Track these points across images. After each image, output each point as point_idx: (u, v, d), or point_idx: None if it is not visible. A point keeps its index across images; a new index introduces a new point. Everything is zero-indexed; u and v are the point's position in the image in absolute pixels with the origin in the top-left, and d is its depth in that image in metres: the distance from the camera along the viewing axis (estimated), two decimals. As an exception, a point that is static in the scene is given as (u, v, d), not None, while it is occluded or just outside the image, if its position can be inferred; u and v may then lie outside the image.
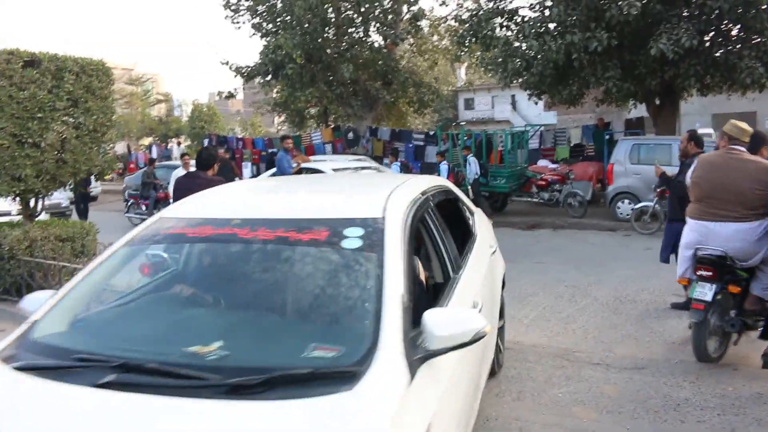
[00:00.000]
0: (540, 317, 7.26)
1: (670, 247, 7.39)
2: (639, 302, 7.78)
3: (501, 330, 5.36)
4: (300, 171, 12.12)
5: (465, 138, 18.67)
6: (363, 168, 12.97)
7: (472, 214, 5.28)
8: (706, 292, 5.37)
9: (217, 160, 6.68)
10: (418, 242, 3.88)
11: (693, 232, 5.72)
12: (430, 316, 2.52)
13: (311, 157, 16.22)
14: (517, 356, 5.79)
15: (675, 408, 4.68)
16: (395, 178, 5.09)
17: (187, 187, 6.36)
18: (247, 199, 3.90)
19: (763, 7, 12.76)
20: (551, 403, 4.83)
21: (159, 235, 3.34)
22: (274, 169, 13.36)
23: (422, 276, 3.69)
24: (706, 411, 4.62)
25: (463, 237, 4.76)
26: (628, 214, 13.81)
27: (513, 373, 5.40)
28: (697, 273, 5.51)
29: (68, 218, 12.67)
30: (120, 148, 39.15)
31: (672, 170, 12.82)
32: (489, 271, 4.70)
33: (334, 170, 11.60)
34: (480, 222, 5.37)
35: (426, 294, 3.60)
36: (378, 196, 3.40)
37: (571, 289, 8.51)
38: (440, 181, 4.95)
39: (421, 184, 4.10)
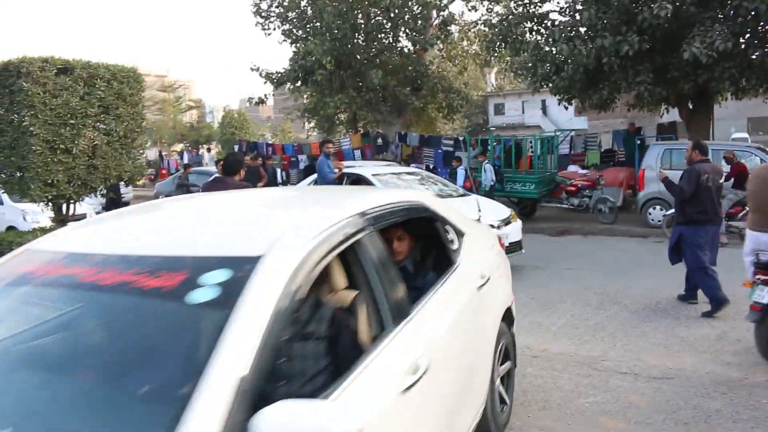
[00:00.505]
0: (568, 324, 7.15)
1: (671, 250, 7.87)
2: (668, 310, 7.63)
3: (507, 377, 4.57)
4: (341, 177, 11.51)
5: (471, 144, 18.60)
6: (408, 174, 12.08)
7: (460, 235, 4.22)
8: (764, 294, 5.57)
9: (243, 165, 6.71)
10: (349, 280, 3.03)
11: (749, 240, 6.38)
12: (259, 421, 1.80)
13: (354, 163, 15.09)
14: (543, 365, 5.71)
15: (705, 420, 4.57)
16: (333, 194, 4.10)
17: (213, 191, 6.42)
18: (131, 225, 3.14)
19: (801, 8, 12.49)
20: (577, 413, 4.75)
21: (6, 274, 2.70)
22: (314, 176, 12.69)
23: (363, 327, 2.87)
24: (739, 424, 4.49)
25: (441, 266, 3.93)
26: (659, 221, 13.58)
27: (539, 382, 5.33)
28: (756, 277, 5.73)
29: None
30: (152, 154, 39.72)
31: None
32: (470, 311, 3.81)
33: (374, 175, 10.94)
34: (472, 245, 4.30)
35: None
36: (276, 223, 2.74)
37: (599, 296, 8.39)
38: (404, 196, 3.86)
39: (365, 202, 3.21)
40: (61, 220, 8.70)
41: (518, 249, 10.00)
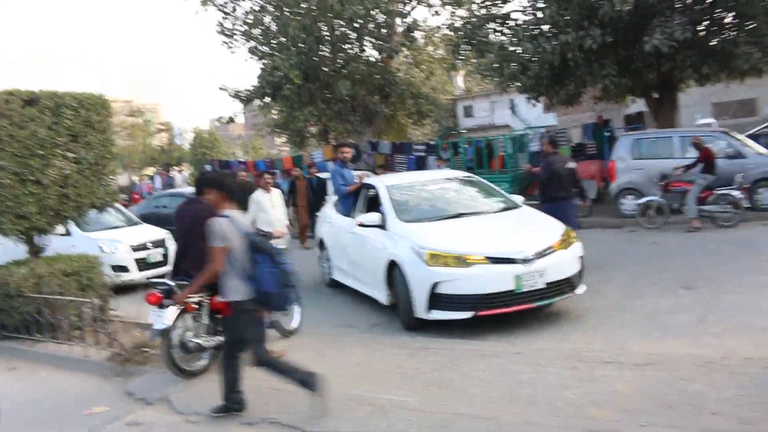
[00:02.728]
0: (548, 319, 7.22)
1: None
2: (648, 297, 7.73)
3: None
4: (358, 190, 9.59)
5: (443, 148, 18.72)
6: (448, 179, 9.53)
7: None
8: None
9: (214, 184, 6.61)
10: None
11: None
12: None
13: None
14: (527, 360, 5.74)
15: (690, 402, 4.62)
16: None
17: (186, 213, 6.38)
18: None
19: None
20: (566, 406, 4.78)
21: None
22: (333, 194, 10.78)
23: None
24: (722, 404, 4.55)
25: None
26: (633, 210, 13.74)
27: (525, 377, 5.36)
28: None
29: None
30: (123, 179, 39.35)
31: (676, 163, 12.93)
32: None
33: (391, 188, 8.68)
34: None
35: None
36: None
37: (580, 289, 8.46)
38: None
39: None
40: (35, 252, 8.60)
41: (563, 291, 7.14)
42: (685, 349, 5.79)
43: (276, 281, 4.94)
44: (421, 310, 6.94)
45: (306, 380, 4.96)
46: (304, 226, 14.69)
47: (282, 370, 5.06)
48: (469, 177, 9.69)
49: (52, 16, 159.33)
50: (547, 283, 6.89)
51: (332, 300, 9.29)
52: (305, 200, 14.67)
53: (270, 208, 10.11)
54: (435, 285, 6.79)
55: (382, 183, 8.93)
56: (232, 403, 5.15)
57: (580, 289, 7.37)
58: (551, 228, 7.71)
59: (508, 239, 7.23)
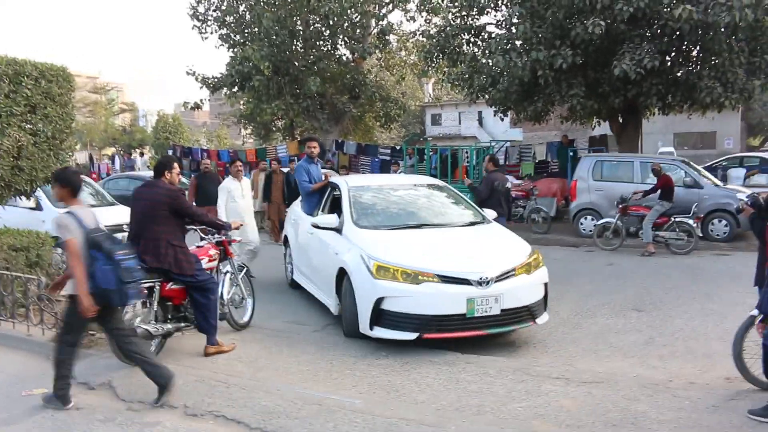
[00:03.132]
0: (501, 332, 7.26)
1: None
2: (599, 316, 7.85)
3: None
4: (323, 188, 9.17)
5: (408, 153, 18.73)
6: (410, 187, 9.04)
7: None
8: None
9: (170, 167, 6.50)
10: None
11: None
12: None
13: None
14: (477, 371, 5.76)
15: (632, 422, 4.69)
16: None
17: (143, 196, 6.24)
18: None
19: (721, 30, 13.06)
20: (511, 417, 4.81)
21: None
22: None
23: None
24: (663, 424, 4.63)
25: None
26: (590, 230, 13.94)
27: (474, 387, 5.37)
28: None
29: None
30: (82, 157, 38.54)
31: (635, 187, 13.19)
32: None
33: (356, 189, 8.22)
34: None
35: None
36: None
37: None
38: None
39: None
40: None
41: (521, 319, 6.62)
42: (631, 369, 5.89)
43: (113, 278, 4.85)
44: (364, 325, 6.44)
45: (160, 380, 5.10)
46: (277, 222, 14.36)
47: (144, 364, 5.14)
48: (440, 185, 9.09)
49: (53, 16, 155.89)
50: (504, 310, 6.32)
51: (290, 298, 9.14)
52: (281, 195, 14.33)
53: (240, 198, 9.97)
54: (380, 300, 6.28)
55: (346, 183, 8.35)
56: (56, 390, 5.10)
57: (542, 319, 6.80)
58: (517, 249, 7.09)
59: (466, 257, 6.65)
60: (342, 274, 6.94)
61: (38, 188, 8.73)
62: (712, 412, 4.84)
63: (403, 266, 6.36)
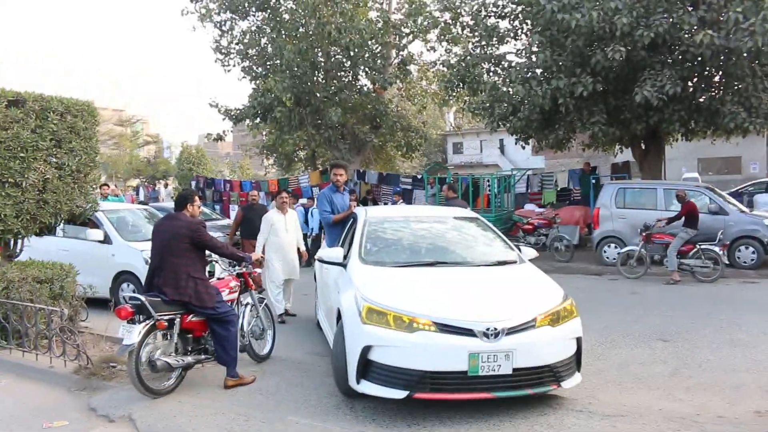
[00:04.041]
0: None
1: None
2: (623, 346, 7.71)
3: None
4: (346, 219, 8.49)
5: (429, 182, 18.70)
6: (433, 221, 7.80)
7: None
8: None
9: (191, 200, 6.54)
10: None
11: None
12: None
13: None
14: (498, 403, 5.67)
15: (660, 457, 4.58)
16: None
17: (164, 228, 6.29)
18: None
19: (744, 54, 12.98)
20: (534, 452, 4.72)
21: None
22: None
23: None
24: (692, 460, 4.52)
25: None
26: (614, 258, 13.79)
27: (495, 420, 5.29)
28: None
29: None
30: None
31: (659, 214, 13.07)
32: None
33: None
34: None
35: None
36: None
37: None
38: None
39: None
40: (8, 255, 8.45)
41: (541, 382, 5.44)
42: (657, 401, 5.75)
43: None
44: (351, 377, 5.46)
45: None
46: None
47: None
48: (474, 218, 7.92)
49: (55, 18, 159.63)
50: (517, 369, 5.21)
51: (312, 329, 9.03)
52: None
53: (282, 231, 9.47)
54: (367, 349, 5.32)
55: (365, 213, 7.57)
56: None
57: (570, 382, 5.61)
58: (544, 296, 5.92)
59: (477, 303, 5.56)
60: (340, 317, 6.04)
61: (62, 221, 8.81)
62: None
63: (396, 310, 5.37)
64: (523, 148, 20.12)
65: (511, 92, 16.22)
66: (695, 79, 14.80)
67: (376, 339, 5.30)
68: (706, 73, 14.76)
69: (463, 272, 6.43)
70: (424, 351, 5.16)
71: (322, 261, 7.23)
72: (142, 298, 5.80)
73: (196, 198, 6.59)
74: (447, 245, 7.12)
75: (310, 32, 19.62)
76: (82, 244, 10.64)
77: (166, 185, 35.70)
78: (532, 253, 7.18)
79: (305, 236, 13.33)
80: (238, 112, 21.96)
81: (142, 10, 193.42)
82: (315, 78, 20.87)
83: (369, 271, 6.30)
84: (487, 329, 5.18)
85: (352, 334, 5.52)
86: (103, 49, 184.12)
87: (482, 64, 16.89)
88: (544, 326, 5.44)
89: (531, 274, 6.57)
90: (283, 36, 20.15)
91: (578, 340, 5.74)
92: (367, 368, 5.35)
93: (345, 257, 6.77)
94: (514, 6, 16.72)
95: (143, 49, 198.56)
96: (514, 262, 6.79)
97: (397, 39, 20.92)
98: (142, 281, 7.43)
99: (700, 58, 13.45)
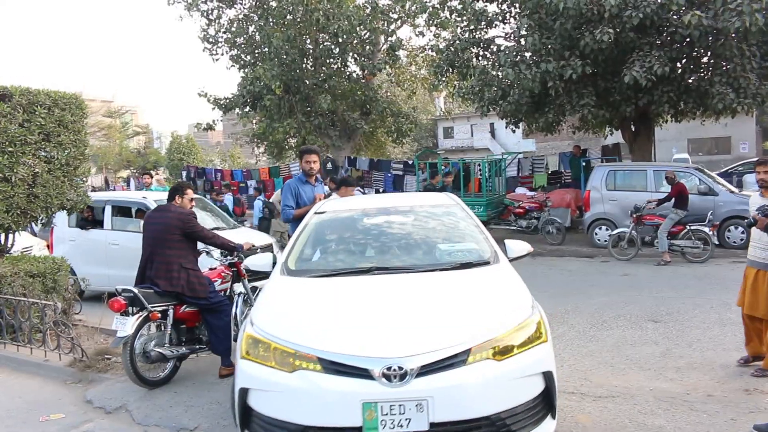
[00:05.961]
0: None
1: None
2: (615, 329, 7.77)
3: None
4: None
5: (420, 168, 18.73)
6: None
7: None
8: None
9: (182, 192, 6.55)
10: None
11: None
12: None
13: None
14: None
15: (650, 436, 4.65)
16: None
17: (155, 220, 6.30)
18: None
19: (732, 35, 13.00)
20: (527, 434, 4.77)
21: None
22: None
23: None
24: (682, 439, 4.59)
25: None
26: (605, 240, 13.87)
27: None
28: None
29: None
30: (97, 180, 38.93)
31: (650, 196, 13.13)
32: None
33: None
34: None
35: None
36: None
37: (547, 316, 8.42)
38: None
39: None
40: (0, 250, 8.43)
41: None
42: (648, 382, 5.82)
43: None
44: (237, 424, 4.14)
45: None
46: None
47: None
48: (452, 210, 6.08)
49: (69, 43, 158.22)
50: (435, 424, 3.64)
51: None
52: None
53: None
54: (245, 392, 4.04)
55: (315, 208, 6.27)
56: None
57: None
58: (498, 315, 4.19)
59: (387, 329, 4.01)
60: None
61: (53, 215, 8.79)
62: (731, 425, 4.78)
63: (279, 341, 4.01)
64: (514, 131, 20.14)
65: (500, 76, 16.22)
66: (684, 60, 14.82)
67: (252, 380, 4.01)
68: (695, 53, 14.78)
69: (401, 282, 4.77)
70: (305, 398, 3.77)
71: (247, 270, 6.45)
72: (135, 290, 5.82)
73: (188, 190, 6.59)
74: (398, 246, 5.46)
75: (298, 19, 19.53)
76: (136, 237, 8.56)
77: (156, 176, 35.57)
78: (523, 248, 5.64)
79: None
80: (228, 101, 21.87)
81: (129, 1, 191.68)
82: (304, 65, 20.79)
83: (281, 284, 4.96)
84: (389, 368, 3.65)
85: (236, 370, 4.26)
86: (90, 39, 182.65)
87: (471, 48, 16.84)
88: (482, 360, 3.80)
89: (496, 282, 4.80)
90: (271, 24, 20.06)
91: (546, 376, 3.99)
92: (248, 416, 4.06)
93: (275, 264, 5.51)
94: (501, -11, 16.68)
95: (131, 39, 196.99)
96: (487, 262, 5.07)
97: (386, 24, 20.83)
98: None
99: (688, 39, 13.46)
